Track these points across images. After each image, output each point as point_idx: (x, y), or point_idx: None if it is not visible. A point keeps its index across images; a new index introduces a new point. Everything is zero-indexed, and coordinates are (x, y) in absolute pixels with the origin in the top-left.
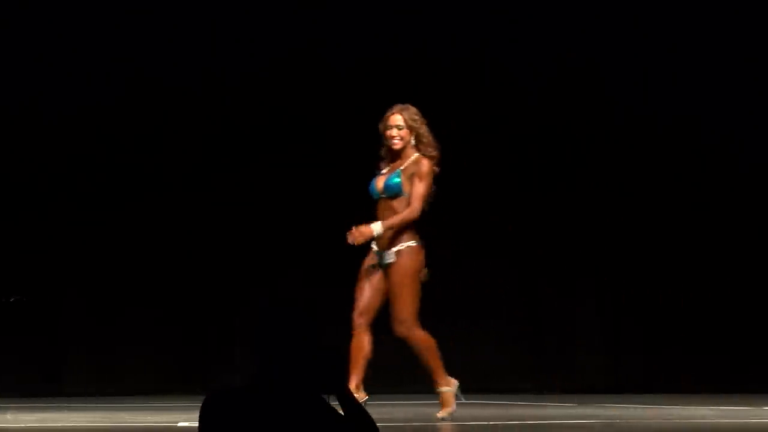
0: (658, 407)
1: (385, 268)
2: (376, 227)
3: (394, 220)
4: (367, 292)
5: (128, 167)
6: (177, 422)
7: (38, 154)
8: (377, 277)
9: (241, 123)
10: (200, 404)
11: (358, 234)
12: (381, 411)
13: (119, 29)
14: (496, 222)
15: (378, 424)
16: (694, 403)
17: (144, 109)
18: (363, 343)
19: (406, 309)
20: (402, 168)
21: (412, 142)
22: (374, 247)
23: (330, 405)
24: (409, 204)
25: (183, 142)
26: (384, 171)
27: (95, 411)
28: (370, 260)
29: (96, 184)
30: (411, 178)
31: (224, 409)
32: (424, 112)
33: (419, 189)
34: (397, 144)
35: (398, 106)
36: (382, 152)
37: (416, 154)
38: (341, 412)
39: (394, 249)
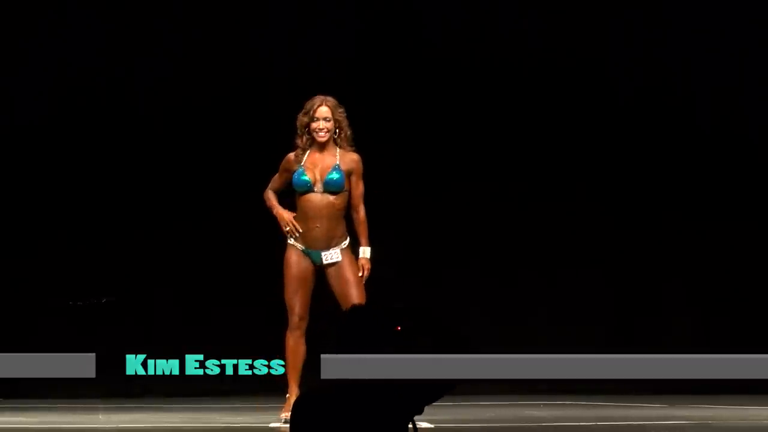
0: (750, 408)
1: (330, 266)
2: (368, 252)
3: (366, 232)
4: (306, 297)
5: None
6: (269, 423)
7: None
8: (310, 278)
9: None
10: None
11: (367, 273)
12: (470, 412)
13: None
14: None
15: (468, 425)
16: None
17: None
18: (302, 347)
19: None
20: (337, 163)
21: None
22: (299, 245)
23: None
24: (349, 200)
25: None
26: (304, 163)
27: (186, 411)
28: (298, 260)
29: (182, 187)
30: (349, 175)
31: (315, 409)
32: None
33: (362, 189)
34: (324, 137)
35: (321, 98)
36: (301, 143)
37: (351, 152)
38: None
39: (339, 248)
